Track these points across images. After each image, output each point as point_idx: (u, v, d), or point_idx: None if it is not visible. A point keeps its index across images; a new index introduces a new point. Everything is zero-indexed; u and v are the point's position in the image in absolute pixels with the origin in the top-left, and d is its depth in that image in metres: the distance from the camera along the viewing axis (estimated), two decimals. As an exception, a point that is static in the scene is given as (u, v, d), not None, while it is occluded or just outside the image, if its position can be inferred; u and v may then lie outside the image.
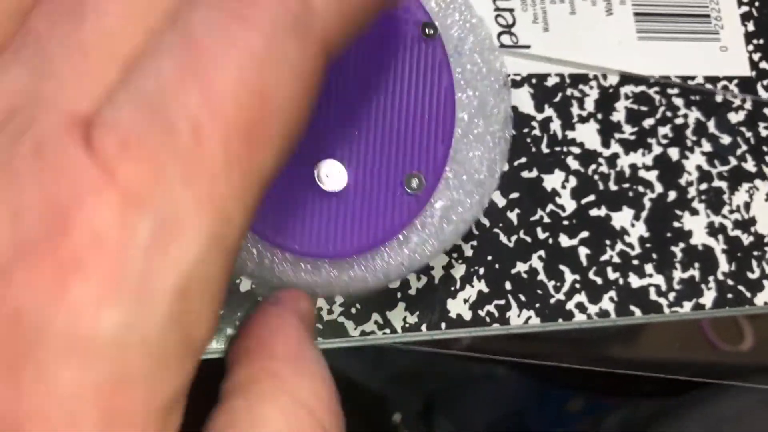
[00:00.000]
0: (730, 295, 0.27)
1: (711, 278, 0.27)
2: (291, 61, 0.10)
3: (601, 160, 0.27)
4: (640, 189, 0.27)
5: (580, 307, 0.26)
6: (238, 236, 0.10)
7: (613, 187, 0.27)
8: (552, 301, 0.26)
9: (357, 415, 0.23)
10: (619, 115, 0.28)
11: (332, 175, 0.20)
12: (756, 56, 0.30)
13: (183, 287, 0.09)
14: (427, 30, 0.21)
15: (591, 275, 0.26)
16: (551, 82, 0.28)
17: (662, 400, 0.33)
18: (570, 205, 0.27)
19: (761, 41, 0.30)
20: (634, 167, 0.27)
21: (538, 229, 0.26)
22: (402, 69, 0.21)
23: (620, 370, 0.28)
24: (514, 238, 0.26)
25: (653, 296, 0.26)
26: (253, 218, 0.11)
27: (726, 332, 0.28)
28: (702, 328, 0.28)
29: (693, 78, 0.29)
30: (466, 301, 0.25)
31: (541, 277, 0.26)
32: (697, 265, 0.27)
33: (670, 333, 0.28)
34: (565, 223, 0.26)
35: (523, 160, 0.27)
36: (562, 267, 0.26)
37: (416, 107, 0.21)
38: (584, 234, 0.26)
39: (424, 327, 0.24)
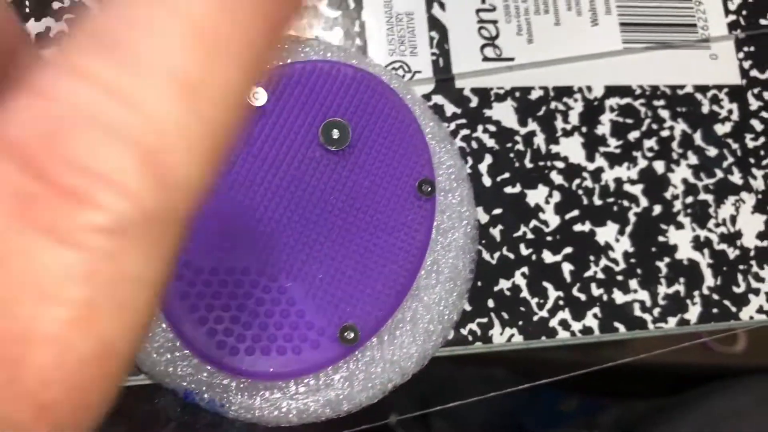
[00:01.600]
0: (715, 310, 0.27)
1: (696, 293, 0.27)
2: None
3: (585, 174, 0.27)
4: (625, 203, 0.27)
5: (564, 324, 0.26)
6: None
7: (597, 201, 0.27)
8: (535, 318, 0.25)
9: (353, 417, 0.23)
10: (604, 128, 0.28)
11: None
12: (746, 64, 0.30)
13: None
14: (423, 187, 0.21)
15: (575, 292, 0.26)
16: (535, 95, 0.27)
17: (655, 400, 0.33)
18: (554, 221, 0.26)
19: (752, 48, 0.30)
20: (618, 181, 0.27)
21: (522, 246, 0.26)
22: (385, 221, 0.21)
23: (613, 370, 0.28)
24: (497, 254, 0.26)
25: (638, 312, 0.26)
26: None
27: (720, 334, 0.28)
28: (701, 338, 0.28)
29: (682, 87, 0.29)
30: (448, 319, 0.25)
31: (525, 294, 0.25)
32: (682, 279, 0.27)
33: (666, 337, 0.28)
34: (549, 239, 0.26)
35: (506, 175, 0.26)
36: (545, 284, 0.26)
37: (386, 257, 0.20)
38: (568, 250, 0.26)
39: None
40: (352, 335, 0.20)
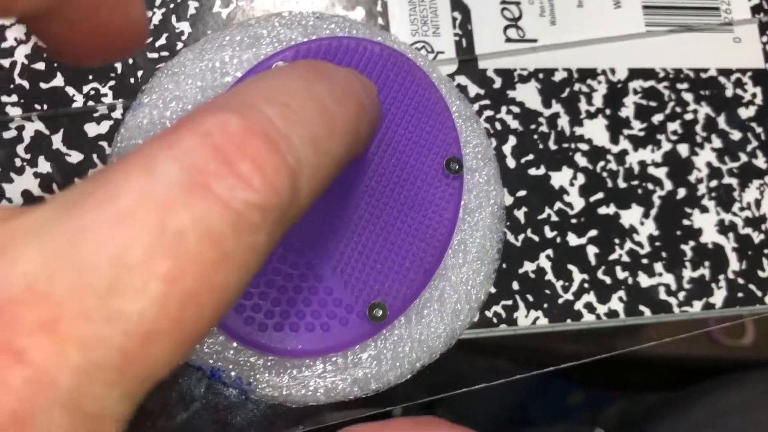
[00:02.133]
0: (740, 294, 0.27)
1: (721, 277, 0.27)
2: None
3: (609, 156, 0.27)
4: (650, 186, 0.27)
5: (589, 307, 0.25)
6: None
7: (621, 184, 0.27)
8: (560, 301, 0.25)
9: (356, 407, 0.23)
10: (627, 111, 0.27)
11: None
12: None
13: None
14: (452, 165, 0.21)
15: (600, 275, 0.26)
16: (558, 77, 0.27)
17: (662, 393, 0.33)
18: (578, 203, 0.26)
19: (771, 34, 0.29)
20: (643, 164, 0.27)
21: (546, 228, 0.26)
22: (413, 199, 0.20)
23: (621, 363, 0.28)
24: (521, 237, 0.25)
25: (663, 296, 0.26)
26: None
27: (727, 327, 0.28)
28: (705, 320, 0.28)
29: (705, 71, 0.28)
30: (472, 301, 0.24)
31: (549, 276, 0.25)
32: (707, 263, 0.27)
33: (673, 327, 0.27)
34: (573, 221, 0.26)
35: (531, 157, 0.26)
36: (570, 266, 0.25)
37: (414, 235, 0.20)
38: (593, 232, 0.26)
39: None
40: (380, 313, 0.19)
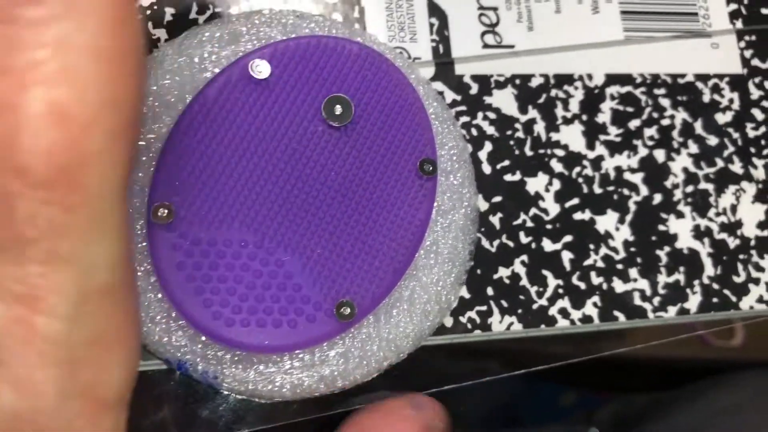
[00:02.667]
0: (715, 299, 0.27)
1: (696, 282, 0.27)
2: None
3: (585, 162, 0.27)
4: (625, 192, 0.27)
5: (563, 312, 0.25)
6: None
7: (597, 190, 0.27)
8: (534, 306, 0.25)
9: (346, 412, 0.23)
10: (604, 117, 0.27)
11: None
12: (748, 53, 0.29)
13: None
14: (425, 166, 0.21)
15: (574, 280, 0.26)
16: (535, 82, 0.27)
17: (654, 394, 0.33)
18: (554, 209, 0.26)
19: (753, 38, 0.30)
20: (619, 169, 0.27)
21: (521, 234, 0.26)
22: (386, 199, 0.20)
23: (611, 364, 0.28)
24: (496, 242, 0.25)
25: (637, 301, 0.26)
26: None
27: (717, 328, 0.28)
28: (693, 323, 0.28)
29: (683, 76, 0.29)
30: (447, 307, 0.25)
31: (524, 282, 0.25)
32: (682, 269, 0.27)
33: (661, 329, 0.27)
34: (549, 227, 0.26)
35: (506, 163, 0.26)
36: (545, 272, 0.26)
37: (386, 235, 0.20)
38: (568, 238, 0.26)
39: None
40: (348, 311, 0.19)
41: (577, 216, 0.26)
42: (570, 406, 0.36)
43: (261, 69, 0.19)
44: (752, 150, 0.28)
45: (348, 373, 0.20)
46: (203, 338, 0.19)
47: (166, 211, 0.18)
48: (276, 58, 0.20)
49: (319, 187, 0.20)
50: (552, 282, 0.26)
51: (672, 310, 0.26)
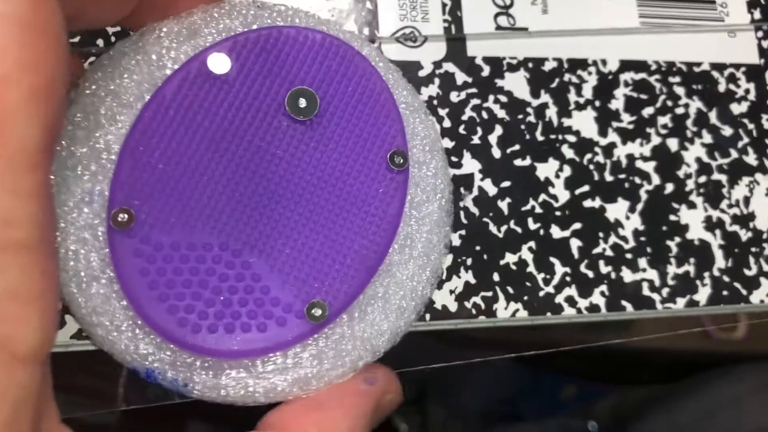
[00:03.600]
0: (725, 292, 0.26)
1: (706, 274, 0.26)
2: None
3: (597, 149, 0.26)
4: (637, 180, 0.26)
5: (570, 300, 0.25)
6: None
7: (608, 177, 0.26)
8: (541, 294, 0.25)
9: None
10: (617, 103, 0.27)
11: None
12: (765, 43, 0.29)
13: None
14: (396, 159, 0.20)
15: (582, 268, 0.25)
16: (548, 66, 0.27)
17: (655, 387, 0.33)
18: (563, 196, 0.26)
19: (769, 29, 0.29)
20: (631, 157, 0.27)
21: (530, 220, 0.25)
22: (355, 194, 0.20)
23: (612, 356, 0.27)
24: (504, 228, 0.25)
25: (646, 291, 0.26)
26: None
27: (720, 321, 0.27)
28: (697, 316, 0.27)
29: (699, 65, 0.28)
30: (452, 292, 0.24)
31: (531, 269, 0.25)
32: (692, 260, 0.26)
33: (665, 322, 0.27)
34: (558, 213, 0.26)
35: (516, 147, 0.26)
36: (552, 259, 0.25)
37: (356, 231, 0.20)
38: (577, 225, 0.26)
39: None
40: (320, 312, 0.19)
41: (587, 203, 0.26)
42: (569, 400, 0.36)
43: (220, 63, 0.19)
44: (767, 141, 0.28)
45: (323, 374, 0.19)
46: (171, 345, 0.19)
47: (126, 215, 0.17)
48: (236, 52, 0.19)
49: (286, 184, 0.19)
50: (559, 270, 0.25)
51: (681, 302, 0.26)
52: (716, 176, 0.27)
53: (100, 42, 0.23)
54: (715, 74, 0.28)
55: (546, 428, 0.36)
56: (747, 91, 0.28)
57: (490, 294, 0.24)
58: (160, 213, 0.18)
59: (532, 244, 0.25)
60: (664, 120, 0.27)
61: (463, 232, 0.25)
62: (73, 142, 0.18)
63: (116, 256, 0.18)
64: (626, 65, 0.27)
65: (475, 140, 0.25)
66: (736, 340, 0.28)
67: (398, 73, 0.22)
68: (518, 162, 0.26)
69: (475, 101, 0.26)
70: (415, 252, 0.21)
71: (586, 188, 0.26)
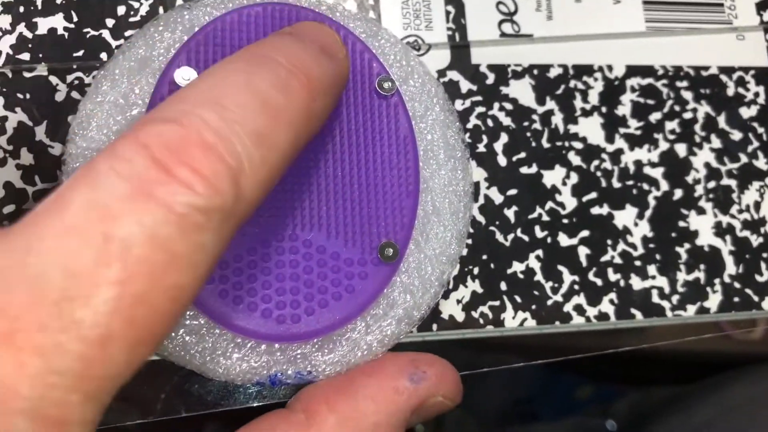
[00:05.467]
0: (736, 299, 0.26)
1: (717, 281, 0.26)
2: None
3: (604, 155, 0.26)
4: (645, 186, 0.26)
5: (579, 309, 0.25)
6: None
7: (616, 184, 0.26)
8: (549, 302, 0.25)
9: None
10: (624, 109, 0.27)
11: None
12: (773, 47, 0.29)
13: None
14: (385, 85, 0.20)
15: (591, 276, 0.25)
16: (554, 73, 0.26)
17: (672, 387, 0.32)
18: (570, 203, 0.26)
19: (778, 31, 0.29)
20: (638, 164, 0.26)
21: (537, 228, 0.25)
22: (365, 135, 0.20)
23: (629, 357, 0.27)
24: (510, 236, 0.25)
25: (656, 299, 0.25)
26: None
27: (738, 321, 0.27)
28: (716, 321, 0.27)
29: (706, 69, 0.28)
30: (459, 301, 0.24)
31: (539, 277, 0.25)
32: (702, 266, 0.26)
33: (678, 327, 0.27)
34: (565, 221, 0.25)
35: (522, 155, 0.26)
36: (560, 267, 0.25)
37: (382, 166, 0.20)
38: (585, 233, 0.25)
39: (414, 328, 0.23)
40: (391, 251, 0.19)
41: (595, 210, 0.26)
42: (586, 400, 0.36)
43: (187, 75, 0.19)
44: (777, 145, 0.28)
45: (419, 304, 0.20)
46: (277, 346, 0.19)
47: None
48: (194, 58, 0.19)
49: (302, 156, 0.19)
50: (568, 278, 0.25)
51: (691, 309, 0.25)
52: (726, 181, 0.27)
53: (103, 56, 0.23)
54: (724, 78, 0.28)
55: (563, 428, 0.36)
56: (756, 95, 0.28)
57: (497, 303, 0.24)
58: None
59: (539, 252, 0.25)
60: (672, 125, 0.27)
61: (469, 241, 0.24)
62: None
63: None
64: (633, 70, 0.27)
65: (481, 148, 0.25)
66: (754, 340, 0.28)
67: (347, 11, 0.22)
68: (524, 170, 0.25)
69: (480, 109, 0.25)
70: (440, 158, 0.21)
71: (593, 195, 0.26)
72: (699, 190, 0.27)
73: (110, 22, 0.24)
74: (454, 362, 0.24)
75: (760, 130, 0.27)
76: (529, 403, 0.36)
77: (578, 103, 0.26)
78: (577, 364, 0.27)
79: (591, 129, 0.26)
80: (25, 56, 0.23)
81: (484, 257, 0.24)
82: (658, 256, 0.26)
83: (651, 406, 0.33)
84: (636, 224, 0.26)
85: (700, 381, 0.31)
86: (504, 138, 0.25)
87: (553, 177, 0.26)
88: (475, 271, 0.24)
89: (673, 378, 0.32)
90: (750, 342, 0.28)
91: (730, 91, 0.28)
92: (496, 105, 0.26)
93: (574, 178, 0.26)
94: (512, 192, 0.25)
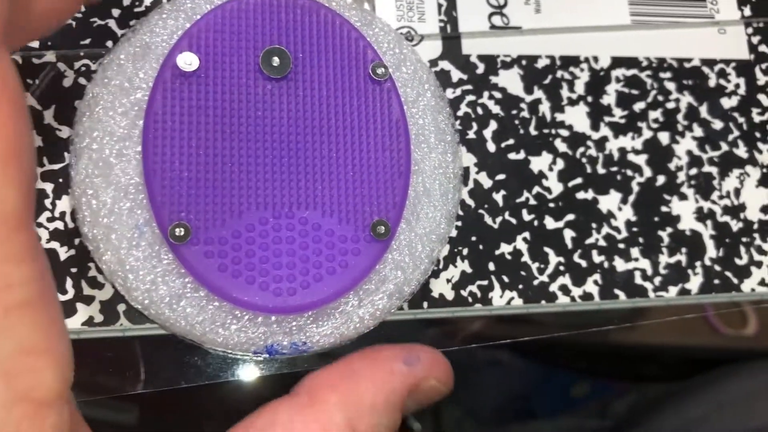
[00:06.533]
0: (716, 281, 0.27)
1: (698, 264, 0.27)
2: None
3: (589, 143, 0.27)
4: (629, 173, 0.27)
5: (564, 289, 0.26)
6: None
7: (601, 170, 0.27)
8: (535, 282, 0.26)
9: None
10: (609, 99, 0.28)
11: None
12: (755, 39, 0.30)
13: None
14: (378, 71, 0.21)
15: (576, 258, 0.26)
16: (541, 63, 0.27)
17: (667, 384, 0.33)
18: (557, 188, 0.27)
19: (761, 24, 0.30)
20: (623, 151, 0.27)
21: (524, 211, 0.26)
22: (357, 116, 0.21)
23: (623, 354, 0.28)
24: (499, 219, 0.26)
25: (638, 280, 0.26)
26: None
27: (729, 317, 0.28)
28: (705, 312, 0.28)
29: (689, 61, 0.29)
30: (449, 281, 0.25)
31: (525, 258, 0.26)
32: (684, 250, 0.27)
33: (665, 311, 0.28)
34: (551, 205, 0.26)
35: (511, 141, 0.27)
36: (546, 249, 0.26)
37: (375, 147, 0.21)
38: (570, 217, 0.26)
39: (405, 306, 0.24)
40: (383, 229, 0.20)
41: (580, 195, 0.27)
42: (583, 398, 0.36)
43: (189, 61, 0.20)
44: (758, 135, 0.29)
45: (409, 279, 0.21)
46: (274, 318, 0.20)
47: (180, 229, 0.19)
48: (195, 44, 0.20)
49: (296, 137, 0.20)
50: (553, 259, 0.26)
51: (673, 290, 0.26)
52: (707, 168, 0.28)
53: (109, 44, 0.24)
54: (706, 70, 0.29)
55: (561, 426, 0.36)
56: (737, 86, 0.29)
57: (485, 283, 0.25)
58: (206, 213, 0.19)
59: (526, 234, 0.26)
60: (656, 114, 0.28)
61: (459, 223, 0.26)
62: (96, 192, 0.19)
63: (191, 267, 0.19)
64: (618, 62, 0.28)
65: (471, 135, 0.26)
66: (747, 336, 0.29)
67: (344, 1, 0.23)
68: (512, 156, 0.26)
69: (470, 97, 0.27)
70: (431, 142, 0.22)
71: (579, 180, 0.27)
72: (681, 176, 0.28)
73: (116, 12, 0.25)
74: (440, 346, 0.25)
75: (741, 119, 0.29)
76: (527, 401, 0.37)
77: (565, 92, 0.27)
78: (572, 361, 0.28)
79: (577, 117, 0.27)
80: (35, 44, 0.24)
81: (473, 239, 0.25)
82: (641, 240, 0.27)
83: (647, 403, 0.33)
84: (620, 209, 0.27)
85: (695, 377, 0.31)
86: (493, 125, 0.27)
87: (540, 163, 0.27)
88: (465, 252, 0.25)
89: (668, 375, 0.33)
90: (744, 338, 0.29)
91: (712, 83, 0.29)
92: (486, 94, 0.27)
93: (560, 164, 0.27)
94: (501, 177, 0.26)
